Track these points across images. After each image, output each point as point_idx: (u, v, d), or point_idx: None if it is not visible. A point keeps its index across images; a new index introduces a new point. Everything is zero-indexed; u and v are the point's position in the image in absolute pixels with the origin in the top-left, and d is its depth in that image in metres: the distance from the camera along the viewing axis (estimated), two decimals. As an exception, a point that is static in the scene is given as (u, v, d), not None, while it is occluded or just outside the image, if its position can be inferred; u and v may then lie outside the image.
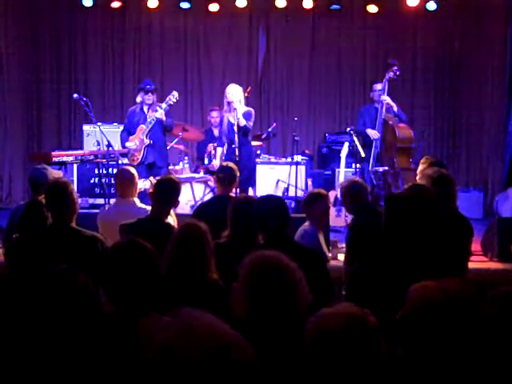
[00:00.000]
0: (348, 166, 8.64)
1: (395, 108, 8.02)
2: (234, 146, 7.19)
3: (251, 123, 7.43)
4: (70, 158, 7.92)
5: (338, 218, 8.07)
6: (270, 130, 9.54)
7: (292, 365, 2.04)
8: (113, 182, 8.07)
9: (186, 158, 9.08)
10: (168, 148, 8.17)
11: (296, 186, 8.84)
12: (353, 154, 8.39)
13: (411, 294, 2.20)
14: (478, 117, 10.80)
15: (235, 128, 7.21)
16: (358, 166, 8.14)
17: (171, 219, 4.79)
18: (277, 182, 9.18)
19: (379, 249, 3.71)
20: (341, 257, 6.14)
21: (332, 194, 8.02)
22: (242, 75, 10.85)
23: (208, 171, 8.36)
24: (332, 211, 7.86)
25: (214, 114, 9.10)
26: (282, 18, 10.78)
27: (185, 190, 7.84)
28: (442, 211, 4.33)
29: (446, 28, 10.79)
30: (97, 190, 9.12)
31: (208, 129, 9.35)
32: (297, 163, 8.84)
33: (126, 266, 2.68)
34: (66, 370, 2.20)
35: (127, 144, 7.70)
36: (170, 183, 4.69)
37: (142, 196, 5.64)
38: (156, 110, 7.63)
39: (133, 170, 5.34)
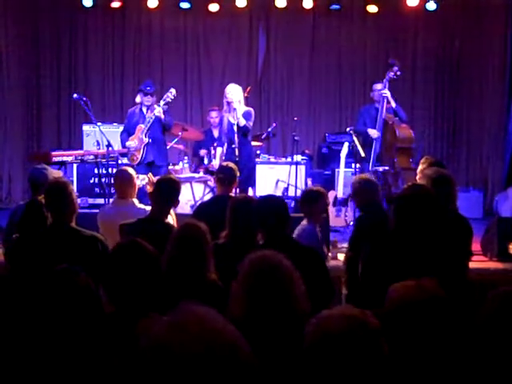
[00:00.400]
0: (348, 165, 8.64)
1: (393, 104, 8.01)
2: (233, 146, 7.19)
3: (251, 123, 7.42)
4: (70, 158, 7.92)
5: (338, 218, 8.08)
6: (269, 129, 9.54)
7: (289, 365, 2.04)
8: (112, 182, 8.07)
9: (186, 157, 9.08)
10: (168, 148, 8.16)
11: (296, 186, 8.84)
12: (353, 154, 8.38)
13: (390, 294, 2.20)
14: (478, 116, 10.81)
15: (235, 128, 7.21)
16: (357, 165, 8.13)
17: (171, 219, 4.80)
18: (276, 182, 9.18)
19: (387, 248, 3.72)
20: (341, 257, 6.15)
21: (332, 194, 8.02)
22: (242, 75, 10.85)
23: (208, 171, 8.36)
24: (332, 211, 7.87)
25: (214, 114, 9.10)
26: (282, 17, 10.79)
27: (184, 189, 7.84)
28: (442, 212, 4.34)
29: (446, 28, 10.79)
30: (96, 190, 9.11)
31: (207, 129, 9.35)
32: (297, 163, 8.83)
33: (128, 267, 2.68)
34: (66, 370, 2.20)
35: (127, 143, 7.70)
36: (170, 183, 4.69)
37: (141, 194, 5.62)
38: (154, 109, 7.63)
39: (131, 171, 5.34)
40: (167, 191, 4.61)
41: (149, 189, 5.43)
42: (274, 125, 9.71)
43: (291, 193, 8.99)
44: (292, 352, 2.04)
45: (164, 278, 3.11)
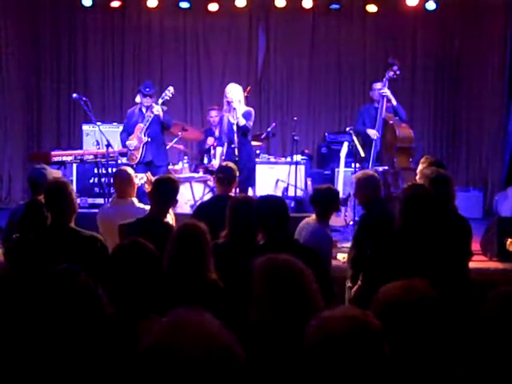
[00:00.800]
0: (347, 165, 8.63)
1: (394, 102, 8.00)
2: (233, 145, 7.18)
3: (251, 123, 7.41)
4: (70, 158, 7.93)
5: (338, 218, 8.06)
6: (269, 129, 9.53)
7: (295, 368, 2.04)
8: (112, 181, 8.07)
9: (186, 157, 9.07)
10: (167, 148, 8.16)
11: (295, 186, 8.84)
12: (352, 154, 8.38)
13: (379, 294, 2.19)
14: (478, 116, 10.80)
15: (234, 128, 7.20)
16: (357, 165, 8.12)
17: (170, 218, 4.80)
18: (276, 182, 9.18)
19: (391, 246, 3.73)
20: (340, 256, 6.16)
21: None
22: (242, 75, 10.84)
23: (207, 171, 8.35)
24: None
25: (213, 113, 9.10)
26: (281, 17, 10.79)
27: (184, 189, 7.85)
28: (444, 212, 4.35)
29: (446, 27, 10.79)
30: (96, 190, 9.11)
31: (208, 128, 9.35)
32: (296, 163, 8.83)
33: (130, 267, 2.68)
34: (66, 370, 2.20)
35: (127, 143, 7.69)
36: (169, 182, 4.69)
37: (139, 194, 5.62)
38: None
39: (130, 171, 5.34)
40: (166, 191, 4.61)
41: (147, 188, 5.42)
42: (274, 124, 9.71)
43: (291, 193, 8.99)
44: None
45: (164, 278, 3.11)
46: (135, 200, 5.21)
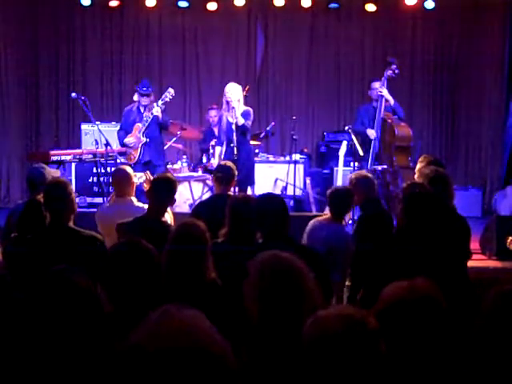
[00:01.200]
0: (346, 164, 8.63)
1: (392, 102, 8.01)
2: (232, 145, 7.18)
3: (250, 122, 7.41)
4: (69, 157, 7.93)
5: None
6: (268, 128, 9.53)
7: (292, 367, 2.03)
8: (111, 180, 8.06)
9: (185, 156, 9.06)
10: (166, 147, 8.15)
11: (294, 185, 8.84)
12: (351, 153, 8.38)
13: (383, 294, 2.19)
14: (477, 115, 10.81)
15: (233, 127, 7.20)
16: (356, 164, 8.13)
17: (168, 217, 4.79)
18: (275, 181, 9.18)
19: (392, 245, 3.73)
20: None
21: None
22: (241, 74, 10.85)
23: (206, 170, 8.34)
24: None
25: (213, 112, 9.08)
26: (280, 16, 10.78)
27: (183, 188, 7.85)
28: (446, 211, 4.36)
29: (445, 27, 10.79)
30: (95, 189, 9.11)
31: (208, 129, 9.33)
32: (295, 162, 8.83)
33: (130, 266, 2.68)
34: (65, 370, 2.19)
35: (126, 140, 7.68)
36: (166, 181, 4.68)
37: (137, 192, 5.62)
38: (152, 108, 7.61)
39: (129, 169, 5.33)
40: (163, 190, 4.60)
41: (145, 187, 5.42)
42: (273, 123, 9.70)
43: (290, 192, 8.98)
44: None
45: (163, 277, 3.11)
46: (134, 199, 5.20)
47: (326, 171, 9.93)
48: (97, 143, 7.96)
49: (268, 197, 4.20)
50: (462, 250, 4.35)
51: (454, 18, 10.73)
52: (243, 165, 7.10)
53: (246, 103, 7.63)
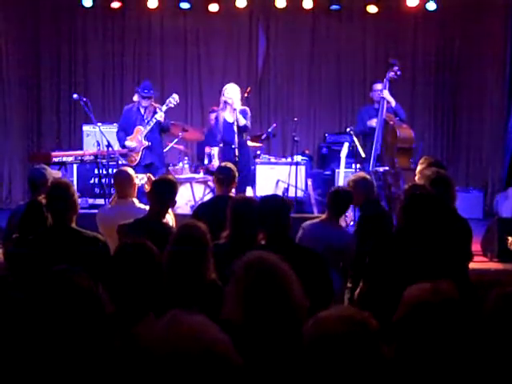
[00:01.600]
0: (348, 166, 8.62)
1: (393, 103, 8.01)
2: (233, 146, 7.17)
3: (249, 122, 7.42)
4: (70, 159, 7.93)
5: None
6: (269, 130, 9.52)
7: (289, 368, 2.03)
8: (112, 181, 8.06)
9: (186, 158, 9.07)
10: (168, 148, 8.16)
11: (296, 187, 8.83)
12: (353, 155, 8.38)
13: (406, 296, 2.19)
14: (478, 116, 10.81)
15: (235, 128, 7.20)
16: (358, 166, 8.13)
17: (170, 219, 4.79)
18: (277, 183, 9.17)
19: (392, 245, 3.73)
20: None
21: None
22: (242, 75, 10.85)
23: (208, 171, 8.34)
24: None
25: (214, 115, 9.07)
26: (281, 18, 10.79)
27: (185, 190, 7.85)
28: (447, 213, 4.36)
29: (446, 28, 10.79)
30: (96, 190, 9.11)
31: (209, 129, 9.32)
32: (297, 163, 8.83)
33: (133, 267, 2.69)
34: (66, 370, 2.19)
35: (127, 143, 7.68)
36: (167, 183, 4.69)
37: (139, 194, 5.62)
38: (154, 112, 7.62)
39: (131, 171, 5.34)
40: (164, 191, 4.61)
41: (147, 188, 5.42)
42: (274, 125, 9.70)
43: (291, 193, 8.98)
44: (292, 352, 2.03)
45: (164, 278, 3.11)
46: (136, 200, 5.21)
47: (327, 173, 9.92)
48: (98, 144, 7.96)
49: (270, 198, 4.19)
50: (463, 251, 4.34)
51: (456, 20, 10.72)
52: (244, 166, 7.11)
53: (247, 105, 7.64)
